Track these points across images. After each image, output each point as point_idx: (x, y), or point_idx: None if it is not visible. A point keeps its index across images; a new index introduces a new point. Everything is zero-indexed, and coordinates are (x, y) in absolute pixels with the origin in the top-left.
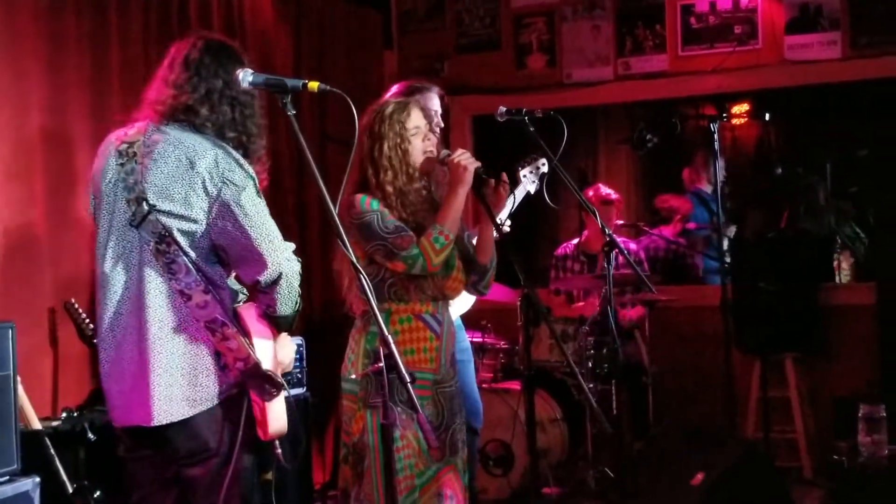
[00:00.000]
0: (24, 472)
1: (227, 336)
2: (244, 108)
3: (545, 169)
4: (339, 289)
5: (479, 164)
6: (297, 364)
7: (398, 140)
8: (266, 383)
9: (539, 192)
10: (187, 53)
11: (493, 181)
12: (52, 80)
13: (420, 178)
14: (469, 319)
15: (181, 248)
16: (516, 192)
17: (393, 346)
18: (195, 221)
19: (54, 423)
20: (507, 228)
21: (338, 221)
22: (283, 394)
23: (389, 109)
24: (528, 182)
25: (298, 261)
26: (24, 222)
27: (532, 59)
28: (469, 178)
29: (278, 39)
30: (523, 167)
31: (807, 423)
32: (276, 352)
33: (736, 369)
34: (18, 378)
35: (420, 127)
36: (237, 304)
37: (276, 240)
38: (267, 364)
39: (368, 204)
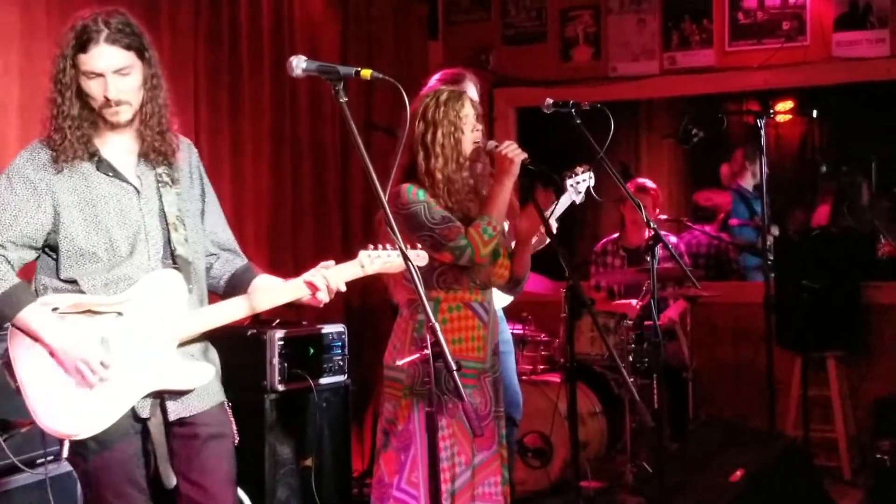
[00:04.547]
0: None
1: None
2: None
3: (591, 182)
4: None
5: (525, 155)
6: (338, 351)
7: (452, 128)
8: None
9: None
10: None
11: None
12: None
13: (468, 166)
14: (510, 311)
15: None
16: (562, 198)
17: (440, 334)
18: None
19: None
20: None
21: (388, 210)
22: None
23: (444, 97)
24: (573, 192)
25: None
26: None
27: (577, 52)
28: (516, 169)
29: (326, 29)
30: (570, 177)
31: (847, 423)
32: None
33: (776, 367)
34: None
35: (470, 116)
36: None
37: None
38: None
39: (415, 194)
